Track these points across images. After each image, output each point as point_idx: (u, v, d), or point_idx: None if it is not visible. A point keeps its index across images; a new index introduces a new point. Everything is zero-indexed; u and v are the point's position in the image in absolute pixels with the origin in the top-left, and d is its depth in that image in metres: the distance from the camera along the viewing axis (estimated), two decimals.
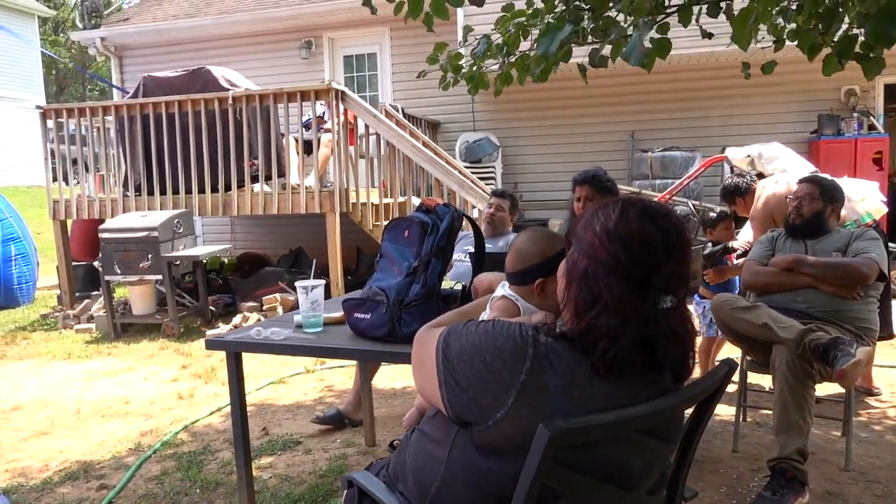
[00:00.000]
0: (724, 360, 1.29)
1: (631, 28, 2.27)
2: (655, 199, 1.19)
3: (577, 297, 1.12)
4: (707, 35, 2.45)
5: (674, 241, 1.11)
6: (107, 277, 5.91)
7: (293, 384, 4.36)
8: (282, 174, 6.26)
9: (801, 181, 3.14)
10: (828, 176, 3.33)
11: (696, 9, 2.44)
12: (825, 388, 3.63)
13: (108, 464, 3.13)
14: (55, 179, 6.76)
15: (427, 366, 1.20)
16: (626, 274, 1.09)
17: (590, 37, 2.26)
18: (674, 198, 6.68)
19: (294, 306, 6.14)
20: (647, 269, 1.09)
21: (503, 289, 1.59)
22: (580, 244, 1.15)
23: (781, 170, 5.51)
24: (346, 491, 1.49)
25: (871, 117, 7.57)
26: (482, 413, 1.10)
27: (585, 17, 2.26)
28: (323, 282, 2.36)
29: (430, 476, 1.21)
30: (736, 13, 1.87)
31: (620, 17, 2.39)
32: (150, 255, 5.73)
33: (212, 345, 2.31)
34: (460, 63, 2.64)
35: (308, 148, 6.56)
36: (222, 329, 5.82)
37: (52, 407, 4.03)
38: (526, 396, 1.06)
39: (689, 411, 1.28)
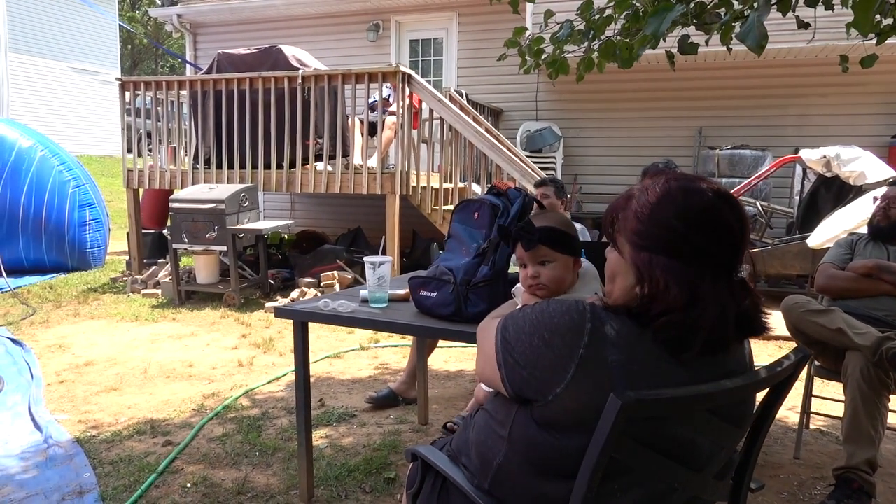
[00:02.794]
0: (796, 349, 1.26)
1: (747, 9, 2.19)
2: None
3: (673, 297, 1.06)
4: (803, 25, 2.36)
5: (740, 212, 1.10)
6: (174, 246, 6.13)
7: (348, 360, 4.44)
8: (345, 154, 6.35)
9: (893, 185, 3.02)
10: None
11: None
12: None
13: (173, 422, 3.26)
14: (130, 150, 7.03)
15: (487, 352, 1.23)
16: (715, 261, 1.07)
17: (702, 15, 2.18)
18: (741, 197, 6.49)
19: (351, 285, 6.24)
20: (732, 251, 1.09)
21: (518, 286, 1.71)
22: (646, 240, 1.10)
23: (860, 172, 5.28)
24: (411, 464, 1.52)
25: None
26: (541, 389, 1.10)
27: None
28: (390, 258, 2.40)
29: (493, 452, 1.23)
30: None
31: None
32: (216, 227, 5.92)
33: (281, 313, 2.37)
34: (542, 47, 2.62)
35: (372, 129, 6.63)
36: (280, 302, 5.97)
37: (121, 365, 4.22)
38: (585, 371, 1.06)
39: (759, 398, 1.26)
